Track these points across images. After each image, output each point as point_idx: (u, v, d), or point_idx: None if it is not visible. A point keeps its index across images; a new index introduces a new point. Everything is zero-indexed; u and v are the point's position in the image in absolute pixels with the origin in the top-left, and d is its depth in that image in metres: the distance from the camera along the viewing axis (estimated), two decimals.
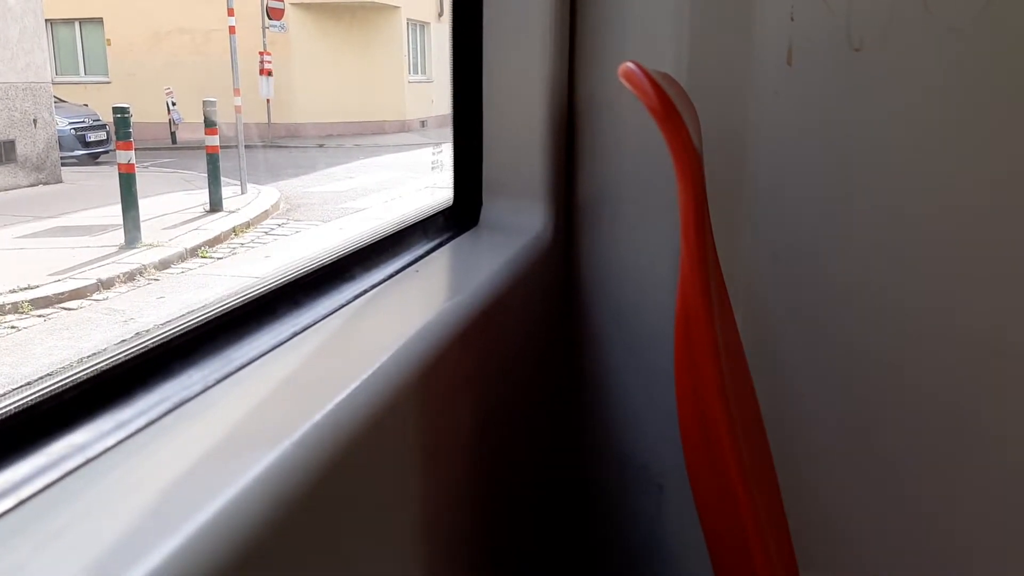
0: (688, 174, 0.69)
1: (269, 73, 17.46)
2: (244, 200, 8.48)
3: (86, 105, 13.40)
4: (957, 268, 1.09)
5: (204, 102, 7.70)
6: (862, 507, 1.18)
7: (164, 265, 5.73)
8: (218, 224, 7.10)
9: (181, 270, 5.84)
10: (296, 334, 0.69)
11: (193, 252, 6.17)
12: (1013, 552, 1.14)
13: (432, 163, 11.92)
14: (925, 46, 1.04)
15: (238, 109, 9.52)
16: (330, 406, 0.55)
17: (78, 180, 9.81)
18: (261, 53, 17.29)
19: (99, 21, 17.46)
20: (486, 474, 0.91)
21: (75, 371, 0.54)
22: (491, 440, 0.92)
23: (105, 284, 5.14)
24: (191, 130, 16.51)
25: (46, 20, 17.59)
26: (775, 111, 1.11)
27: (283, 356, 0.65)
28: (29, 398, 0.50)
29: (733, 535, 0.75)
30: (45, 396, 0.50)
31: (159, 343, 0.61)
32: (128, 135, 6.37)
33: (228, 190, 9.09)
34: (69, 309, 4.77)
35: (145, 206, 7.67)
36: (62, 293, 4.86)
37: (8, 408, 0.48)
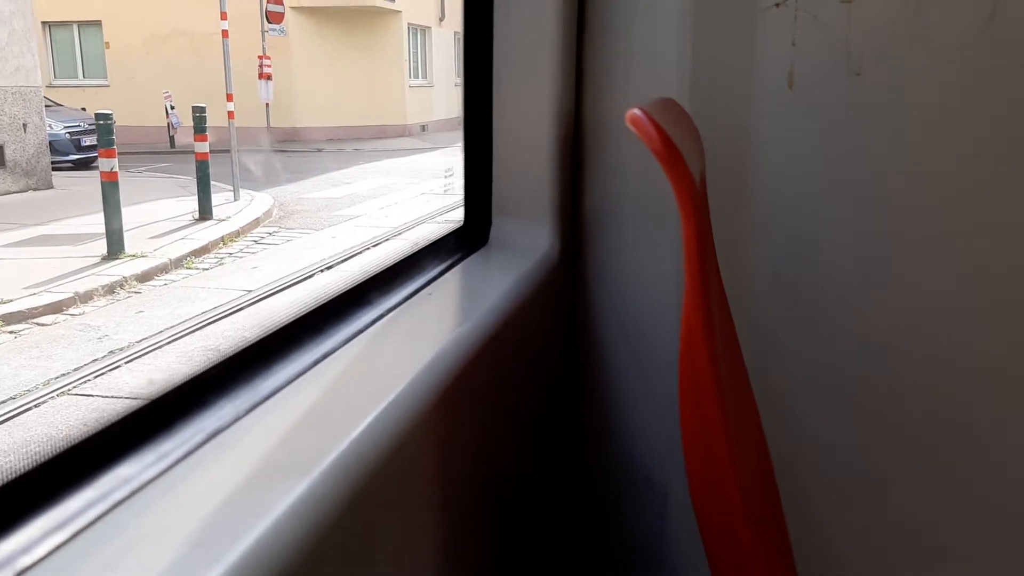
0: (691, 214, 0.70)
1: (268, 77, 17.40)
2: (236, 207, 8.30)
3: (83, 109, 13.28)
4: (956, 285, 1.10)
5: (193, 108, 7.51)
6: (863, 521, 1.20)
7: (146, 277, 5.54)
8: (206, 233, 6.91)
9: (164, 282, 5.65)
10: (318, 361, 0.70)
11: (178, 263, 5.97)
12: (1010, 555, 1.16)
13: (445, 172, 11.70)
14: (924, 70, 1.06)
15: (231, 115, 9.34)
16: (354, 435, 0.57)
17: (70, 186, 9.64)
18: (260, 57, 17.24)
19: (97, 24, 17.39)
20: (498, 487, 0.94)
21: (122, 404, 0.57)
22: (503, 455, 0.95)
23: (83, 297, 4.95)
24: (190, 134, 16.44)
25: (43, 22, 17.52)
26: (776, 134, 1.13)
27: (307, 384, 0.67)
28: (82, 432, 0.52)
29: (732, 547, 0.77)
30: (96, 430, 0.53)
31: (195, 375, 0.63)
32: (111, 142, 6.19)
33: (221, 196, 8.93)
34: (43, 324, 4.58)
35: (134, 213, 7.50)
36: (36, 308, 4.67)
37: (64, 442, 0.50)
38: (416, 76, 19.99)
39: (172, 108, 16.67)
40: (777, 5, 1.10)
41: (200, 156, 7.49)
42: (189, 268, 6.00)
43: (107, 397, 3.54)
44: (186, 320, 4.60)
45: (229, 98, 9.31)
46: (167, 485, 0.50)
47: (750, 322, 1.14)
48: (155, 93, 16.11)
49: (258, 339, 0.70)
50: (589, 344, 1.23)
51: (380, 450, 0.59)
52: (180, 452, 0.54)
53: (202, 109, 7.49)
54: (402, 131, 18.97)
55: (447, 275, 1.01)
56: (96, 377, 3.76)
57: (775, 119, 1.13)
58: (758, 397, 1.04)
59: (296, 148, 16.76)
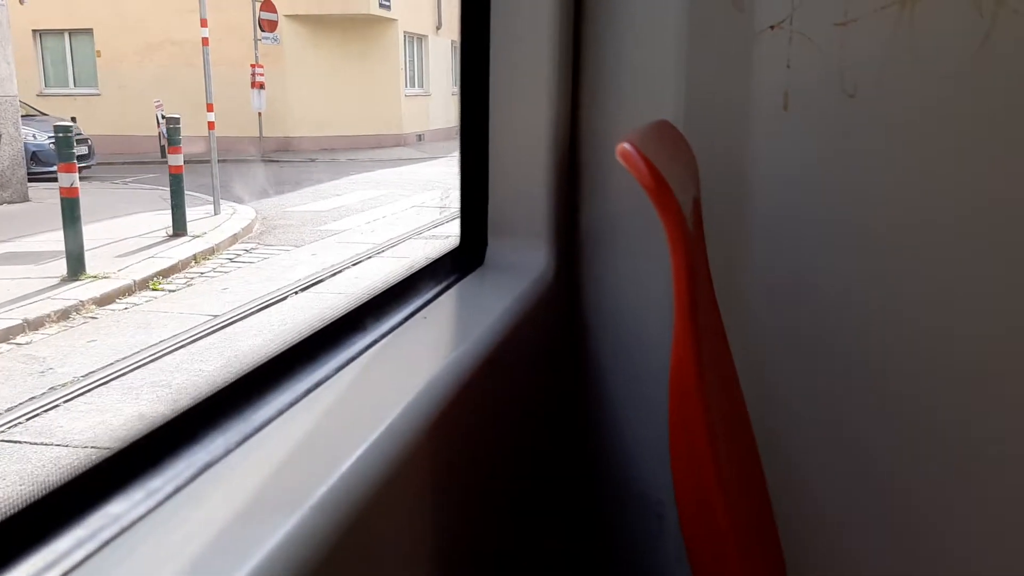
0: (681, 249, 0.73)
1: (261, 86, 17.24)
2: (215, 222, 7.95)
3: (73, 119, 13.00)
4: (955, 305, 1.12)
5: (167, 119, 7.16)
6: (861, 536, 1.21)
7: (106, 300, 5.18)
8: (177, 251, 6.56)
9: (125, 306, 5.29)
10: (311, 390, 0.70)
11: (143, 284, 5.62)
12: (1010, 557, 1.17)
13: (442, 190, 11.41)
14: (918, 91, 1.07)
15: (211, 125, 9.01)
16: (345, 467, 0.57)
17: (46, 198, 9.30)
18: (253, 65, 17.07)
19: (89, 32, 17.18)
20: (493, 507, 0.95)
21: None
22: (498, 475, 0.95)
23: (32, 325, 4.59)
24: (183, 144, 16.19)
25: (34, 31, 17.26)
26: (772, 154, 1.14)
27: (299, 414, 0.66)
28: (73, 468, 0.51)
29: (720, 570, 0.77)
30: (86, 467, 0.52)
31: (187, 407, 0.62)
32: (71, 156, 5.84)
33: (202, 209, 8.61)
34: None
35: (106, 229, 7.17)
36: None
37: (54, 480, 0.50)
38: (412, 85, 19.77)
39: (163, 118, 16.47)
40: (772, 27, 1.11)
41: (174, 169, 7.13)
42: (155, 289, 5.65)
43: (36, 444, 3.18)
44: (140, 351, 4.24)
45: (209, 108, 8.98)
46: (157, 522, 0.50)
47: (747, 341, 1.16)
48: (147, 102, 15.89)
49: (250, 368, 0.70)
50: (585, 363, 1.24)
51: (372, 482, 0.59)
52: (170, 488, 0.53)
53: (176, 120, 7.13)
54: (398, 140, 18.75)
55: (443, 297, 1.02)
56: (28, 420, 3.40)
57: (770, 140, 1.13)
58: (754, 414, 1.06)
59: (289, 158, 16.53)
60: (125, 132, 16.36)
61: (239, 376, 0.68)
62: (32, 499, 0.48)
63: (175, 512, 0.50)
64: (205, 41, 8.96)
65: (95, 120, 15.51)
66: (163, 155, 16.18)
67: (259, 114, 16.97)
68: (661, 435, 1.17)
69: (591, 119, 1.17)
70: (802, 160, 1.13)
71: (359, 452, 0.58)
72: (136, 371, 3.95)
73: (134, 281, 5.57)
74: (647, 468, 1.22)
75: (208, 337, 4.57)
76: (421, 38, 20.07)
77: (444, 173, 14.07)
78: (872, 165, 1.10)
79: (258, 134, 16.95)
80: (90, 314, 5.00)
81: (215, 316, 4.97)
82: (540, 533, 1.19)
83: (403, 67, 19.07)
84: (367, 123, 18.19)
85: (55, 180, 10.67)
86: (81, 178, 12.35)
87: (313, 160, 16.50)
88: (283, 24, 17.52)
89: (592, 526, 1.28)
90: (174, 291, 5.71)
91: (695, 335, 0.73)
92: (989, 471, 1.15)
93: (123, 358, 4.21)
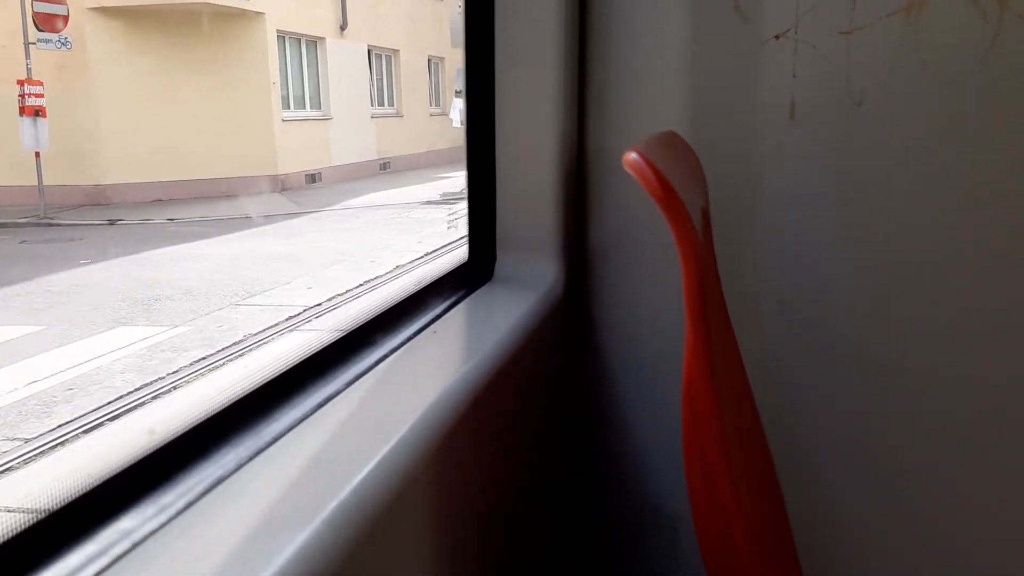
0: (691, 257, 0.72)
1: (36, 112, 11.47)
2: None
3: None
4: (957, 311, 1.13)
5: None
6: (875, 549, 1.21)
7: None
8: None
9: None
10: (321, 405, 0.71)
11: None
12: (1011, 557, 1.17)
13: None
14: (923, 99, 1.08)
15: None
16: (356, 481, 0.58)
17: None
18: (21, 83, 11.33)
19: None
20: (505, 521, 0.97)
21: (125, 454, 0.56)
22: (510, 490, 0.98)
23: None
24: None
25: None
26: (779, 164, 1.16)
27: (310, 429, 0.67)
28: (84, 483, 0.51)
29: None
30: (98, 482, 0.52)
31: (198, 422, 0.63)
32: None
33: None
34: None
35: None
36: None
37: (66, 495, 0.50)
38: (298, 106, 14.04)
39: None
40: (777, 37, 1.12)
41: None
42: None
43: None
44: None
45: None
46: (169, 537, 0.51)
47: (757, 349, 1.15)
48: None
49: (261, 383, 0.70)
50: (595, 377, 1.25)
51: (382, 496, 0.59)
52: (181, 503, 0.54)
53: None
54: (274, 184, 13.02)
55: (452, 312, 1.03)
56: None
57: (777, 150, 1.15)
58: (766, 422, 1.04)
59: (73, 220, 10.98)
60: None
61: (250, 391, 0.68)
62: (44, 514, 0.48)
63: (187, 527, 0.51)
64: None
65: None
66: None
67: (37, 154, 11.26)
68: (674, 448, 1.20)
69: (598, 131, 1.20)
70: (809, 169, 1.14)
71: (370, 466, 0.59)
72: None
73: None
74: (660, 481, 1.23)
75: None
76: (314, 41, 14.36)
77: (268, 255, 8.11)
78: (880, 172, 1.12)
79: (50, 182, 11.29)
80: None
81: None
82: (552, 547, 1.19)
83: (279, 80, 13.33)
84: (223, 161, 12.51)
85: None
86: None
87: (113, 222, 10.89)
88: (83, 20, 11.79)
89: (605, 540, 1.28)
90: None
91: (707, 346, 0.73)
92: (1008, 474, 1.14)
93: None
